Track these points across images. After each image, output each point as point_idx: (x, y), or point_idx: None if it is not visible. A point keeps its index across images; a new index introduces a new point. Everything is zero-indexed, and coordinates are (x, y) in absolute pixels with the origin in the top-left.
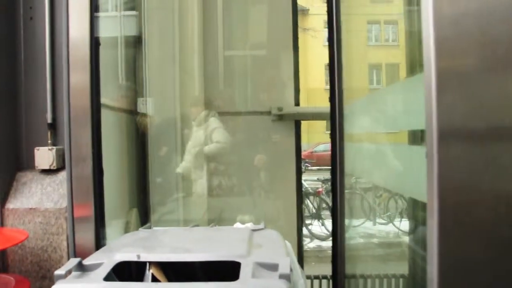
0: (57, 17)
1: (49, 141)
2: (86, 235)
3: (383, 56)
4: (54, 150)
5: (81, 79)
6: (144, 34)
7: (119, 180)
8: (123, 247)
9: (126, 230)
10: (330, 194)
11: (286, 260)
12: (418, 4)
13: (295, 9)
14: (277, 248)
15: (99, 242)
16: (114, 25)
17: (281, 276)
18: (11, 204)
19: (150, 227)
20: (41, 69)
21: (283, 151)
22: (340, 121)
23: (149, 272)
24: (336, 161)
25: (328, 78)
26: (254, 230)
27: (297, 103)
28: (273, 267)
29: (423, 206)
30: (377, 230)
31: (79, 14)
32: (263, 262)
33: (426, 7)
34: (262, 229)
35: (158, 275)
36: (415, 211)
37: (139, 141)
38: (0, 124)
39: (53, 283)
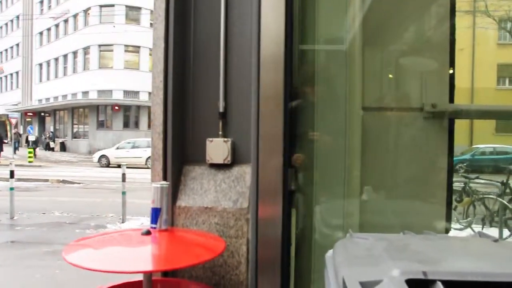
0: None
1: (220, 133)
2: (270, 240)
3: None
4: (229, 143)
5: (274, 65)
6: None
7: None
8: (383, 261)
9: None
10: None
11: None
12: None
13: None
14: None
15: (285, 248)
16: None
17: None
18: (182, 202)
19: (350, 234)
20: (212, 53)
21: (435, 150)
22: None
23: None
24: None
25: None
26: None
27: (451, 100)
28: None
29: None
30: None
31: None
32: None
33: None
34: (497, 240)
35: None
36: None
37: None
38: (172, 113)
39: None
